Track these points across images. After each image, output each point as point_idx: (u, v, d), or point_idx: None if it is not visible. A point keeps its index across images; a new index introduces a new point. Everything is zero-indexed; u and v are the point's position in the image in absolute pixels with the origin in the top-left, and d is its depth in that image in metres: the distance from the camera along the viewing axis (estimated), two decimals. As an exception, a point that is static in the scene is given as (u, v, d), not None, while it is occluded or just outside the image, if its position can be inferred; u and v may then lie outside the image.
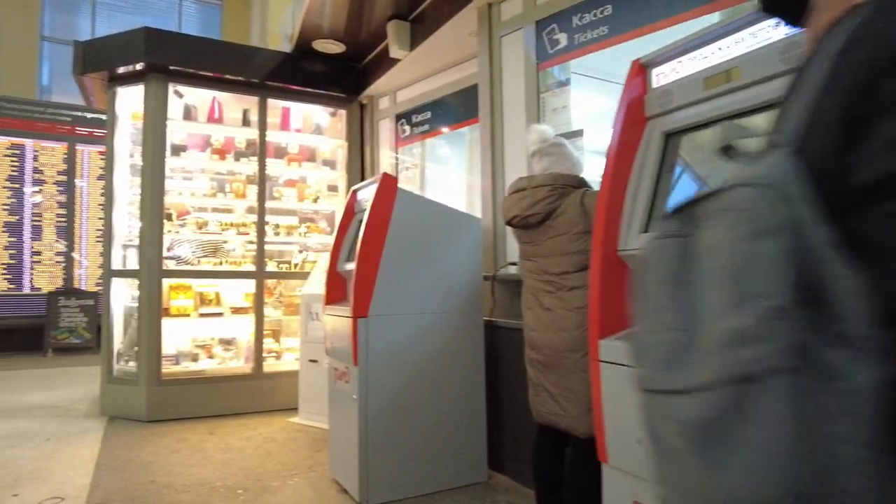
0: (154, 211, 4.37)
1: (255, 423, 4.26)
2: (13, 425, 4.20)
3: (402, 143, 4.93)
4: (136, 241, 4.65)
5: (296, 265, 5.05)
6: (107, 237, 4.62)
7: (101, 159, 8.93)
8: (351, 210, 3.26)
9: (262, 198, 4.73)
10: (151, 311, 4.33)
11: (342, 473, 2.96)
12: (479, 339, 3.09)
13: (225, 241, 5.01)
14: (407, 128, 4.84)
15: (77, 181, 8.83)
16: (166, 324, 4.43)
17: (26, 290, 8.44)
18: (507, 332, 3.13)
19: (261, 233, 4.71)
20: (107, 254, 4.60)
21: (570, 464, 2.19)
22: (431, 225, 2.98)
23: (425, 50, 4.16)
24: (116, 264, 4.64)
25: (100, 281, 8.84)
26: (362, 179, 5.17)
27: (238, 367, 4.69)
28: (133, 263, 4.71)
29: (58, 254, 8.67)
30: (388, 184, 2.87)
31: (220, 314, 4.69)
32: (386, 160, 5.07)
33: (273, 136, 4.89)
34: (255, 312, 4.67)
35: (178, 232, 4.58)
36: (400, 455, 2.81)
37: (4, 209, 8.41)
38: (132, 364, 4.53)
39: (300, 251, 5.19)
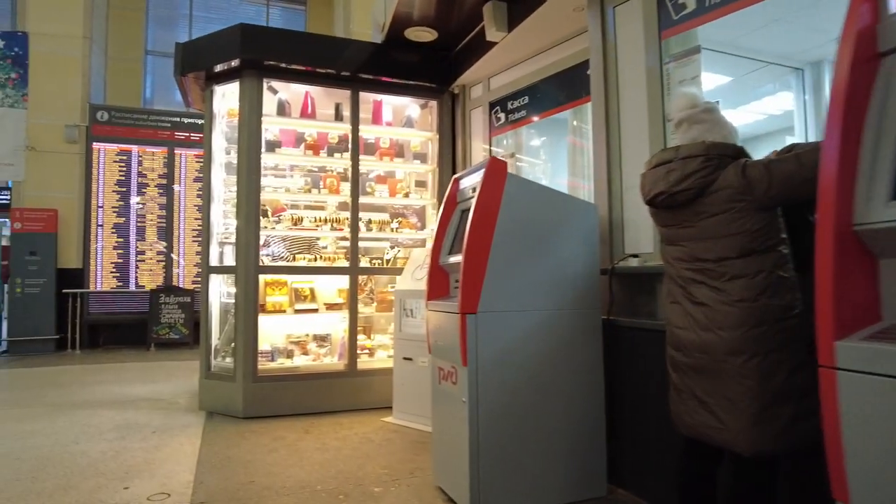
0: (250, 208, 4.37)
1: (349, 422, 4.16)
2: (122, 417, 4.32)
3: (497, 133, 4.68)
4: (233, 239, 4.68)
5: (388, 261, 4.93)
6: (205, 234, 4.68)
7: (198, 162, 9.34)
8: (453, 200, 3.05)
9: (355, 193, 4.63)
10: (248, 307, 4.33)
11: (449, 482, 2.74)
12: (596, 338, 2.78)
13: (318, 238, 4.97)
14: (502, 115, 4.59)
15: (175, 186, 9.24)
16: (262, 320, 4.42)
17: (132, 288, 8.93)
18: (627, 332, 2.81)
19: (354, 228, 4.62)
20: (205, 250, 4.66)
21: (731, 487, 1.85)
22: (543, 213, 2.71)
23: (524, 30, 3.89)
24: (213, 261, 4.69)
25: (196, 279, 9.25)
26: (454, 172, 4.98)
27: (332, 363, 4.62)
28: (229, 260, 4.76)
29: (159, 253, 9.11)
30: (497, 168, 2.63)
31: (315, 310, 4.64)
32: (479, 151, 4.84)
33: (364, 130, 4.79)
34: (349, 309, 4.57)
35: (273, 228, 4.56)
36: (512, 465, 2.56)
37: (113, 211, 8.95)
38: (229, 360, 4.56)
39: (391, 247, 5.07)
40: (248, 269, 4.34)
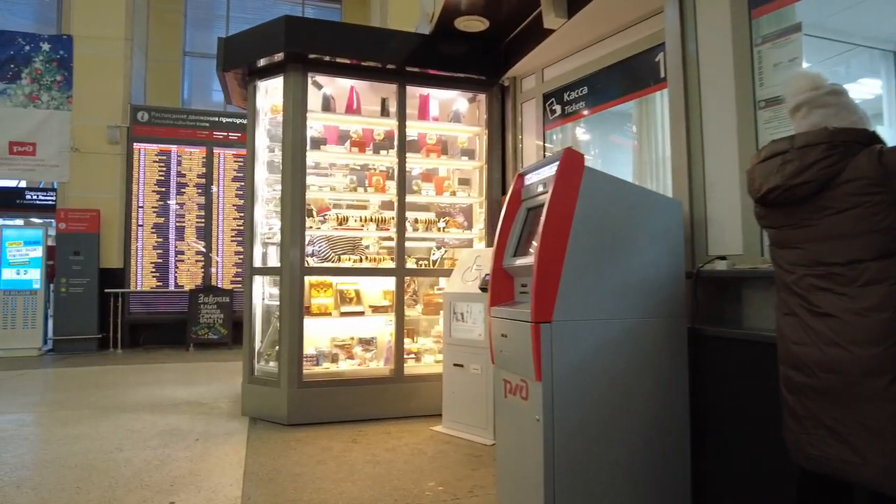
0: (295, 207, 4.21)
1: (398, 431, 3.96)
2: (165, 422, 4.22)
3: (551, 126, 4.42)
4: (276, 239, 4.56)
5: (434, 262, 4.72)
6: (248, 235, 4.55)
7: (236, 161, 9.32)
8: (517, 197, 2.81)
9: (402, 192, 4.43)
10: (293, 310, 4.17)
11: (517, 503, 2.51)
12: (681, 349, 2.52)
13: (360, 238, 4.80)
14: (557, 108, 4.34)
15: (213, 187, 9.22)
16: (306, 323, 4.25)
17: (171, 288, 8.95)
18: (715, 343, 2.53)
19: (401, 228, 4.42)
20: (248, 252, 4.53)
21: (874, 535, 1.58)
22: (623, 209, 2.45)
23: (585, 16, 3.62)
24: (257, 262, 4.55)
25: (235, 279, 9.23)
26: (503, 169, 4.74)
27: (378, 368, 4.43)
28: (273, 261, 4.62)
29: (197, 253, 9.11)
30: (573, 161, 2.38)
31: (360, 313, 4.46)
32: (531, 147, 4.59)
33: (411, 126, 4.58)
34: (396, 311, 4.38)
35: (318, 228, 4.40)
36: (590, 487, 2.31)
37: (153, 211, 8.98)
38: (272, 364, 4.42)
39: (437, 247, 4.86)
40: (293, 271, 4.18)
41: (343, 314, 4.42)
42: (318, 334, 4.51)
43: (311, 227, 4.34)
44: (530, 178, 2.74)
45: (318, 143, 4.43)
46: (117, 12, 9.14)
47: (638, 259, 2.45)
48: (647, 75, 3.56)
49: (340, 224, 4.45)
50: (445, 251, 4.79)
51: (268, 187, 4.74)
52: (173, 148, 9.11)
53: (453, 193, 4.76)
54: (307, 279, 4.31)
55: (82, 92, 8.92)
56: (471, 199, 4.85)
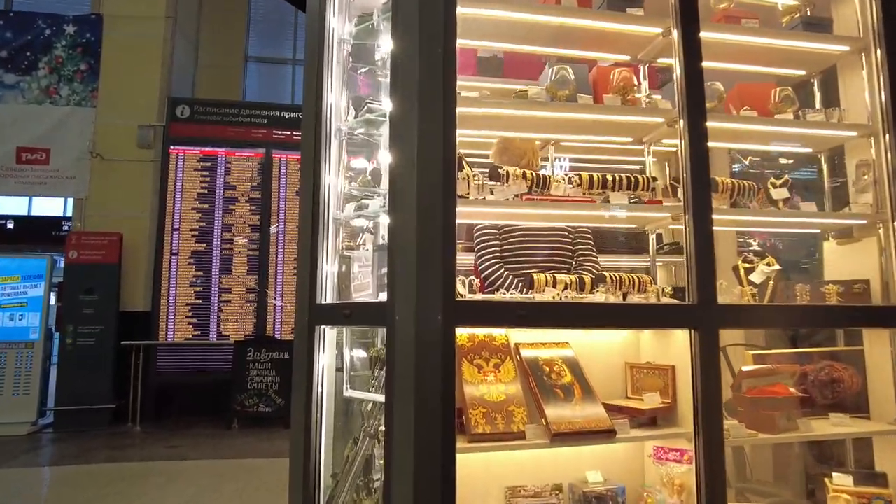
0: (432, 146, 1.52)
1: None
2: None
3: None
4: (364, 250, 1.95)
5: (761, 287, 1.88)
6: (304, 232, 1.90)
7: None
8: None
9: (698, 102, 1.66)
10: (429, 426, 1.42)
11: None
12: None
13: (572, 235, 2.05)
14: None
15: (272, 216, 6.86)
16: (459, 459, 1.49)
17: (213, 339, 6.51)
18: None
19: (702, 201, 1.63)
20: (304, 271, 1.87)
21: None
22: None
23: None
24: (325, 296, 1.87)
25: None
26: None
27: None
28: (362, 290, 1.94)
29: (248, 291, 6.67)
30: None
31: (607, 433, 1.62)
32: None
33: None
34: (704, 426, 1.54)
35: (483, 199, 1.68)
36: None
37: (192, 236, 6.66)
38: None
39: (752, 256, 2.01)
40: (424, 316, 1.45)
41: (557, 436, 1.60)
42: (471, 476, 1.74)
43: (464, 197, 1.63)
44: None
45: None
46: (157, -15, 7.17)
47: None
48: None
49: (532, 189, 1.72)
50: (775, 267, 1.94)
51: (351, 135, 2.11)
52: (221, 151, 6.85)
53: (798, 114, 1.92)
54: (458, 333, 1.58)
55: (111, 83, 6.89)
56: (832, 131, 2.00)
